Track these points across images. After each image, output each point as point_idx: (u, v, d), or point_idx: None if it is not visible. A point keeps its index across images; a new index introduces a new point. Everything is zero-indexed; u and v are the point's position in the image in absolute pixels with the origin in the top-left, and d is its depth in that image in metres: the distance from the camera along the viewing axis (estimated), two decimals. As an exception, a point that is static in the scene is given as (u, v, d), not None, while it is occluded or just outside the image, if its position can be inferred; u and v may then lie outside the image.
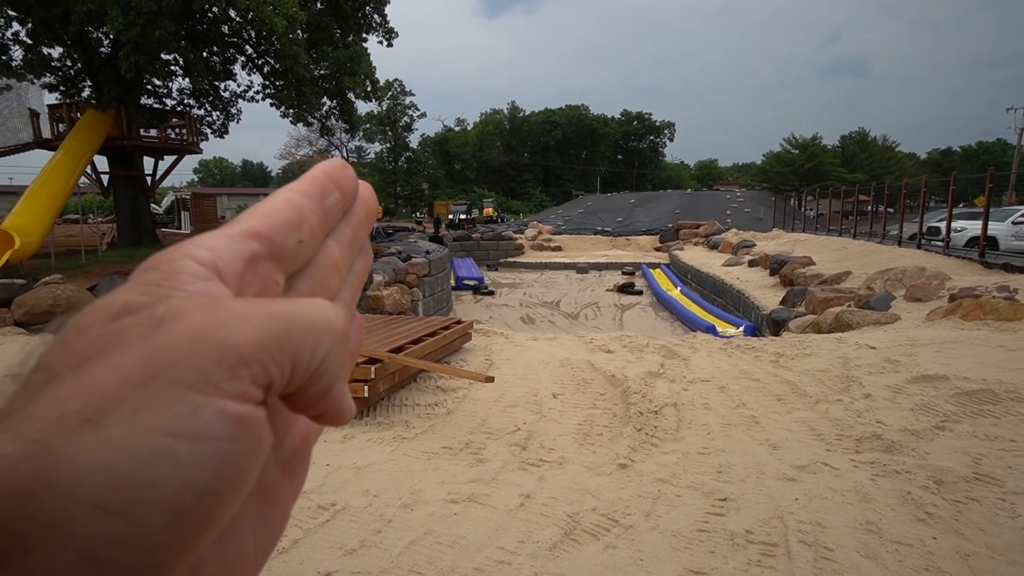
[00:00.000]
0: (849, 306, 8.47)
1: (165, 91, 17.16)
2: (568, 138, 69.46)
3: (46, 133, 17.63)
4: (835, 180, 43.48)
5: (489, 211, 41.82)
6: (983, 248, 11.67)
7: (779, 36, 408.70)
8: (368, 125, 55.54)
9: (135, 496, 0.16)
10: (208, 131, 18.71)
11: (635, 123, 75.88)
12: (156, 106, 17.23)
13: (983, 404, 3.98)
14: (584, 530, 2.86)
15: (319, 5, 16.40)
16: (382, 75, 20.87)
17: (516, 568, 2.56)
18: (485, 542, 2.76)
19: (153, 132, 18.02)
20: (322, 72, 17.51)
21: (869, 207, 21.04)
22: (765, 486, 3.21)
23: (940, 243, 13.48)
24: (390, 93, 56.26)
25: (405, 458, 3.74)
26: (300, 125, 22.06)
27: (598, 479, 3.38)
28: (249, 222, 0.23)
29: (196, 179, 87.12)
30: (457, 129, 67.16)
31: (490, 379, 4.41)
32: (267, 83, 17.19)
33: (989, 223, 11.92)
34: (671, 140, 79.23)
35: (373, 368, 4.35)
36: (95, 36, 14.74)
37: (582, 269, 24.67)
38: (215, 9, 13.91)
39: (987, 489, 3.01)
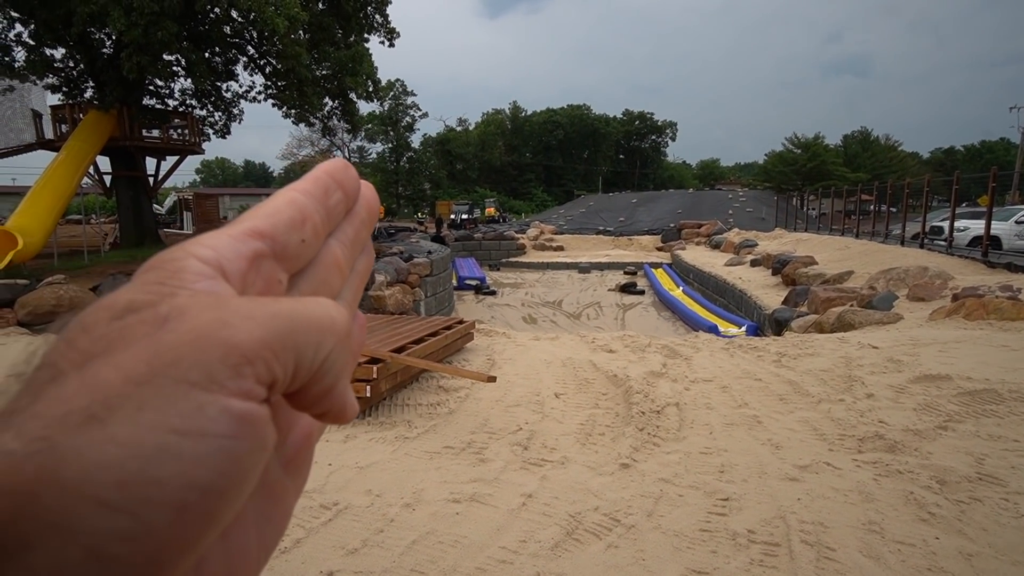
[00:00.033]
0: (851, 306, 8.45)
1: (167, 92, 17.21)
2: (570, 138, 69.45)
3: (49, 134, 17.68)
4: (837, 180, 43.40)
5: (491, 211, 41.83)
6: (986, 248, 11.64)
7: (780, 35, 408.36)
8: (370, 125, 55.58)
9: (140, 493, 0.16)
10: (210, 131, 18.73)
11: (637, 123, 75.84)
12: (158, 107, 17.27)
13: (986, 404, 3.97)
14: (586, 530, 2.86)
15: (321, 5, 16.42)
16: (384, 75, 20.92)
17: (518, 567, 2.56)
18: (487, 542, 2.77)
19: (155, 133, 18.06)
20: (324, 72, 17.52)
21: (872, 207, 21.00)
22: (767, 486, 3.21)
23: (943, 243, 13.46)
24: (392, 93, 56.29)
25: (407, 458, 3.74)
26: (302, 125, 22.08)
27: (600, 479, 3.38)
28: (252, 221, 0.23)
29: (198, 179, 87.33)
30: (459, 129, 67.16)
31: (492, 379, 4.41)
32: (269, 83, 17.22)
33: (992, 222, 11.89)
34: (673, 140, 79.25)
35: (375, 368, 4.35)
36: (97, 37, 14.77)
37: (584, 269, 24.66)
38: (217, 10, 13.94)
39: (990, 489, 3.01)
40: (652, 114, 76.38)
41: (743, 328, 11.22)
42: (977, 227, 13.40)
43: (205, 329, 0.18)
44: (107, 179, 18.00)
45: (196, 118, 18.72)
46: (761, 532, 2.77)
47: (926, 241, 14.34)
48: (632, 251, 29.05)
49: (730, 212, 35.18)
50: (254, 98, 17.89)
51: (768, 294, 12.33)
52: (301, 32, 15.40)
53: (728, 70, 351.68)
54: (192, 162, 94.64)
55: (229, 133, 18.68)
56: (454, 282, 18.63)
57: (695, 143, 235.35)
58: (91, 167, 16.20)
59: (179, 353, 0.18)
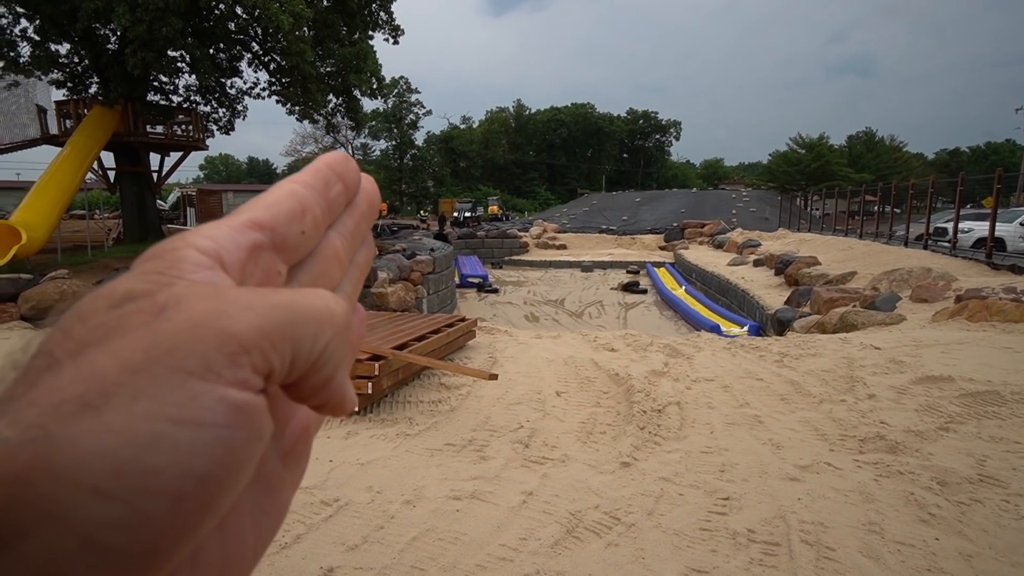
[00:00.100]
0: (854, 306, 8.44)
1: (172, 88, 17.22)
2: (574, 136, 69.38)
3: (53, 129, 17.73)
4: (842, 180, 43.23)
5: (494, 209, 41.77)
6: (990, 249, 11.60)
7: (783, 35, 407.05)
8: (374, 122, 55.59)
9: (135, 482, 0.16)
10: (214, 128, 18.75)
11: (641, 122, 75.71)
12: (162, 103, 17.29)
13: (988, 405, 3.97)
14: (586, 528, 2.86)
15: (325, 2, 16.41)
16: (388, 72, 20.91)
17: (518, 565, 2.57)
18: (487, 539, 2.77)
19: (159, 128, 18.09)
20: (328, 69, 17.52)
21: (875, 207, 20.94)
22: (768, 485, 3.21)
23: (947, 244, 13.41)
24: (396, 90, 56.28)
25: (408, 455, 3.75)
26: (306, 122, 22.18)
27: (601, 477, 3.38)
28: (252, 212, 0.23)
29: (202, 176, 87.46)
30: (463, 127, 67.16)
31: (494, 377, 4.42)
32: (273, 80, 17.22)
33: (996, 224, 11.85)
34: (677, 139, 79.12)
35: (377, 365, 4.36)
36: (102, 33, 14.80)
37: (587, 267, 24.65)
38: (222, 6, 13.95)
39: (991, 490, 3.00)
40: (656, 113, 76.34)
41: (745, 328, 11.21)
42: (981, 229, 13.35)
43: (202, 318, 0.18)
44: (111, 175, 18.06)
45: (200, 114, 18.75)
46: (761, 531, 2.77)
47: (930, 242, 14.30)
48: (635, 250, 29.02)
49: (733, 212, 35.10)
50: (258, 95, 17.90)
51: (771, 294, 12.31)
52: (305, 29, 15.39)
53: (732, 69, 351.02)
54: (196, 158, 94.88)
55: (233, 129, 18.71)
56: (456, 280, 18.64)
57: (699, 142, 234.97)
58: (95, 162, 16.25)
59: (176, 342, 0.18)
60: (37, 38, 13.95)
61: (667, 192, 48.12)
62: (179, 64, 15.21)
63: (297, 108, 17.81)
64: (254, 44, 16.46)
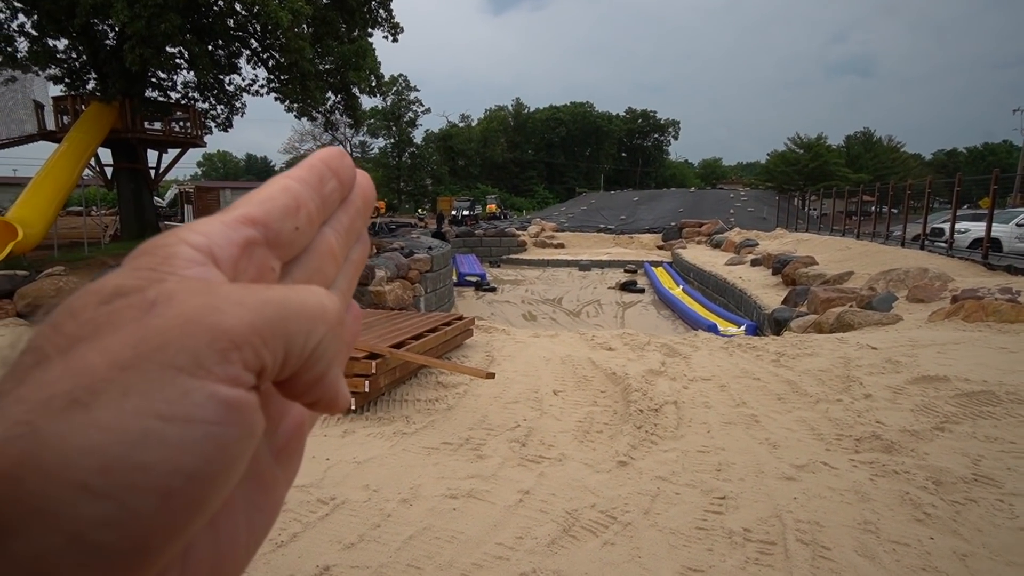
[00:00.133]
0: (851, 306, 8.45)
1: (170, 84, 17.18)
2: (572, 135, 69.34)
3: (50, 125, 17.68)
4: (839, 180, 43.31)
5: (492, 208, 41.73)
6: (986, 250, 11.63)
7: (783, 35, 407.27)
8: (372, 120, 55.47)
9: (124, 478, 0.16)
10: (212, 125, 18.71)
11: (640, 121, 75.71)
12: (161, 99, 17.26)
13: (983, 405, 3.98)
14: (583, 527, 2.87)
15: (324, -1, 16.39)
16: (387, 70, 20.88)
17: (514, 564, 2.57)
18: (484, 538, 2.78)
19: (157, 125, 18.04)
20: (327, 67, 17.49)
21: (873, 207, 20.97)
22: (764, 485, 3.22)
23: (943, 244, 13.44)
24: (395, 88, 56.17)
25: (405, 453, 3.75)
26: (304, 120, 22.18)
27: (597, 476, 3.39)
28: (245, 208, 0.23)
29: (200, 173, 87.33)
30: (461, 125, 67.09)
31: (491, 375, 4.42)
32: (272, 77, 17.19)
33: (993, 225, 11.88)
34: (675, 138, 79.16)
35: (374, 363, 4.36)
36: (100, 28, 14.75)
37: (584, 266, 24.65)
38: (221, 3, 13.92)
39: (986, 490, 3.01)
40: (655, 112, 76.33)
41: (742, 327, 11.23)
42: (978, 229, 13.38)
43: (193, 314, 0.18)
44: (108, 171, 18.00)
45: (198, 111, 18.71)
46: (757, 531, 2.78)
47: (926, 243, 14.33)
48: (633, 249, 29.04)
49: (731, 211, 35.14)
50: (257, 92, 17.86)
51: (768, 294, 12.33)
52: (304, 26, 15.36)
53: (731, 69, 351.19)
54: (194, 155, 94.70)
55: (231, 126, 18.66)
56: (454, 278, 18.63)
57: (697, 142, 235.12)
58: (92, 159, 16.20)
59: (166, 338, 0.17)
60: (35, 33, 13.91)
61: (665, 191, 48.17)
62: (177, 60, 15.19)
63: (296, 105, 17.77)
64: (253, 41, 16.42)
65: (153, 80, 16.58)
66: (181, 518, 0.17)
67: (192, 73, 15.69)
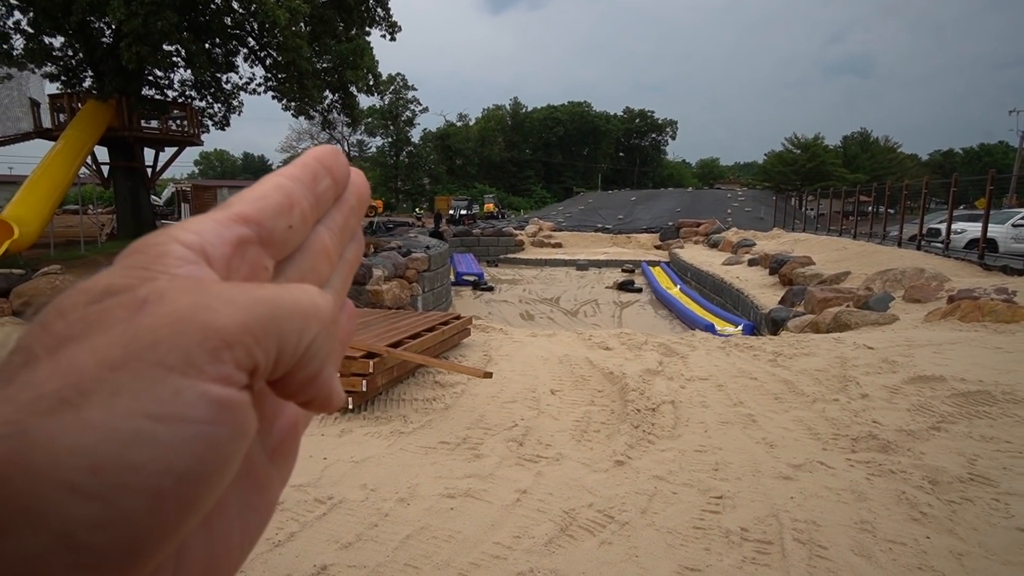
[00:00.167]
0: (848, 306, 8.47)
1: (167, 82, 17.13)
2: (570, 135, 69.35)
3: (47, 123, 17.60)
4: (836, 180, 43.46)
5: (490, 207, 41.74)
6: (982, 250, 11.67)
7: (782, 35, 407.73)
8: (370, 119, 55.43)
9: (114, 479, 0.16)
10: (209, 123, 18.67)
11: (637, 121, 75.77)
12: (157, 97, 17.21)
13: (979, 405, 3.99)
14: (580, 526, 2.87)
15: (322, -2, 16.36)
16: (385, 69, 20.85)
17: (512, 563, 2.57)
18: (481, 537, 2.78)
19: (154, 123, 17.99)
20: (324, 65, 17.46)
21: (870, 208, 21.03)
22: (761, 484, 3.23)
23: (940, 244, 13.48)
24: (392, 87, 56.14)
25: (402, 453, 3.75)
26: (302, 118, 22.03)
27: (595, 475, 3.39)
28: (238, 206, 0.23)
29: (197, 171, 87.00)
30: (459, 124, 67.07)
31: (488, 375, 4.42)
32: (269, 75, 17.15)
33: (989, 225, 11.92)
34: (673, 138, 79.17)
35: (372, 362, 4.36)
36: (97, 26, 14.70)
37: (582, 266, 24.67)
38: (218, 0, 13.88)
39: (981, 489, 3.02)
40: (652, 112, 76.39)
41: (739, 327, 11.24)
42: (974, 229, 13.43)
43: (184, 313, 0.18)
44: (105, 169, 17.93)
45: (195, 109, 18.66)
46: (754, 530, 2.78)
47: (923, 243, 14.37)
48: (630, 249, 29.05)
49: (729, 211, 35.18)
50: (254, 90, 17.82)
51: (765, 293, 12.35)
52: (302, 24, 15.33)
53: (729, 69, 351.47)
54: (191, 154, 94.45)
55: (228, 125, 18.62)
56: (452, 278, 18.63)
57: (695, 142, 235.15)
58: (89, 157, 16.14)
59: (156, 336, 0.17)
60: (31, 31, 13.86)
61: (663, 191, 48.16)
62: (174, 59, 15.15)
63: (293, 104, 17.74)
64: (250, 39, 16.38)
65: (150, 78, 16.54)
66: (173, 519, 0.17)
67: (189, 71, 15.66)
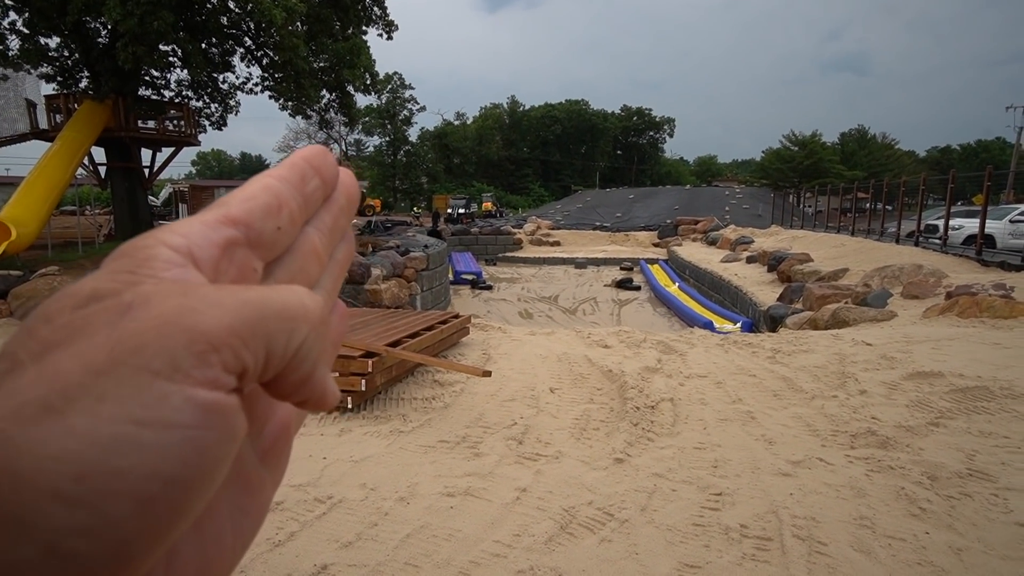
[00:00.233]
0: (846, 303, 8.49)
1: (163, 82, 17.06)
2: (568, 133, 69.31)
3: (43, 124, 17.54)
4: (834, 177, 43.50)
5: (488, 205, 41.71)
6: (980, 246, 11.69)
7: (779, 32, 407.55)
8: (367, 118, 55.37)
9: (99, 485, 0.15)
10: (206, 123, 18.61)
11: (635, 119, 75.75)
12: (154, 97, 17.14)
13: (978, 401, 4.00)
14: (580, 524, 2.87)
15: (318, -3, 16.31)
16: (382, 68, 20.82)
17: (512, 561, 2.57)
18: (481, 535, 2.78)
19: (151, 124, 17.93)
20: (321, 64, 17.42)
21: (867, 204, 21.05)
22: (760, 481, 3.23)
23: (938, 241, 13.50)
24: (390, 86, 56.05)
25: (402, 452, 3.75)
26: (299, 118, 21.99)
27: (594, 473, 3.39)
28: (226, 208, 0.23)
29: (194, 171, 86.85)
30: (457, 123, 67.01)
31: (487, 373, 4.42)
32: (266, 75, 17.10)
33: (987, 221, 11.94)
34: (671, 136, 79.13)
35: (370, 362, 4.35)
36: (93, 26, 14.64)
37: (580, 264, 24.67)
38: (214, 0, 13.84)
39: (980, 485, 3.03)
40: (650, 110, 76.36)
41: (738, 324, 11.25)
42: (971, 226, 13.46)
43: (170, 316, 0.18)
44: (102, 170, 17.87)
45: (192, 109, 18.59)
46: (754, 527, 2.79)
47: (921, 239, 14.39)
48: (628, 247, 29.06)
49: (727, 209, 35.20)
50: (251, 90, 17.76)
51: (763, 291, 12.37)
52: (298, 24, 15.29)
53: (727, 67, 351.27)
54: (188, 154, 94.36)
55: (225, 125, 18.56)
56: (450, 277, 18.62)
57: (693, 139, 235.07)
58: (86, 158, 16.09)
59: (142, 341, 0.17)
60: (26, 31, 13.79)
61: (661, 189, 48.16)
62: (171, 59, 15.08)
63: (290, 103, 17.69)
64: (247, 39, 16.34)
65: (146, 78, 16.47)
66: (161, 524, 0.16)
67: (186, 71, 15.59)
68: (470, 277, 20.10)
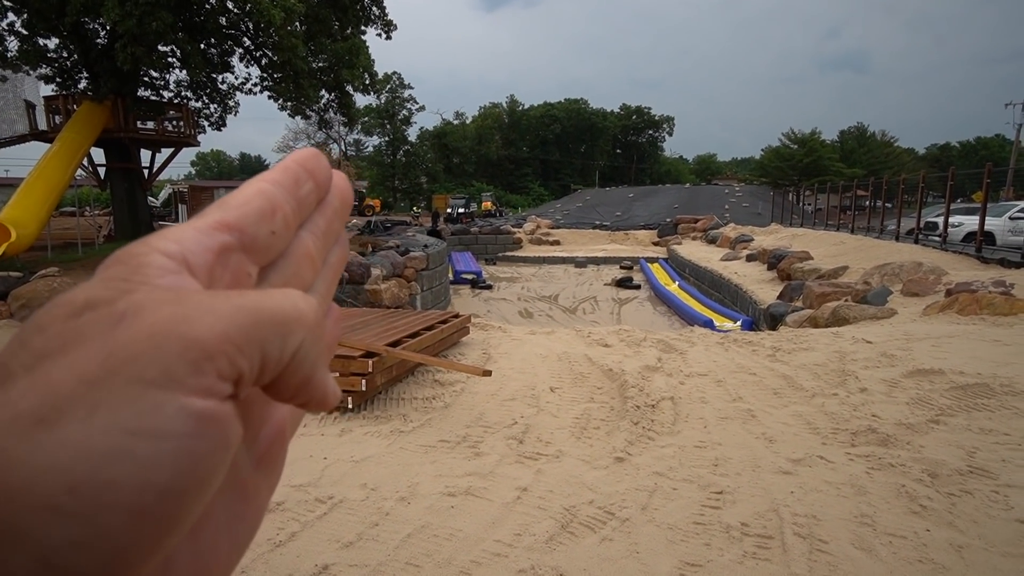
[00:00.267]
0: (846, 301, 8.49)
1: (162, 83, 17.05)
2: (567, 132, 69.30)
3: (42, 125, 17.53)
4: (833, 175, 43.50)
5: (487, 205, 41.69)
6: (980, 243, 11.70)
7: (778, 31, 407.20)
8: (367, 118, 55.39)
9: (93, 497, 0.15)
10: (205, 124, 18.60)
11: (634, 117, 75.74)
12: (153, 98, 17.13)
13: (978, 398, 4.00)
14: (581, 523, 2.87)
15: (317, -3, 16.29)
16: (381, 68, 20.76)
17: (513, 561, 2.57)
18: (482, 535, 2.78)
19: (150, 124, 17.92)
20: (320, 64, 17.40)
21: (867, 202, 21.05)
22: (761, 479, 3.23)
23: (937, 238, 13.51)
24: (389, 86, 56.06)
25: (402, 451, 3.75)
26: (298, 118, 21.96)
27: (595, 472, 3.39)
28: (220, 213, 0.22)
29: (193, 172, 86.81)
30: (456, 123, 67.00)
31: (487, 373, 4.42)
32: (265, 75, 17.08)
33: (986, 218, 11.94)
34: (670, 135, 79.10)
35: (371, 362, 4.35)
36: (91, 27, 14.63)
37: (580, 263, 24.66)
38: (212, 0, 13.83)
39: (980, 482, 3.03)
40: (649, 109, 76.37)
41: (738, 323, 11.26)
42: (971, 223, 13.46)
43: (163, 325, 0.17)
44: (101, 171, 17.87)
45: (191, 110, 18.58)
46: (754, 525, 2.79)
47: (920, 237, 14.39)
48: (628, 246, 29.05)
49: (726, 207, 35.19)
50: (250, 90, 17.75)
51: (763, 289, 12.37)
52: (297, 24, 15.28)
53: (726, 65, 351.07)
54: (187, 154, 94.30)
55: (224, 125, 18.56)
56: (450, 276, 18.62)
57: (692, 138, 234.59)
58: (85, 159, 16.09)
59: (135, 350, 0.17)
60: (25, 32, 13.78)
61: (660, 188, 48.16)
62: (169, 59, 15.07)
63: (289, 104, 17.67)
64: (245, 39, 16.32)
65: (145, 79, 16.46)
66: (155, 535, 0.16)
67: (184, 72, 15.56)
68: (470, 276, 20.11)
